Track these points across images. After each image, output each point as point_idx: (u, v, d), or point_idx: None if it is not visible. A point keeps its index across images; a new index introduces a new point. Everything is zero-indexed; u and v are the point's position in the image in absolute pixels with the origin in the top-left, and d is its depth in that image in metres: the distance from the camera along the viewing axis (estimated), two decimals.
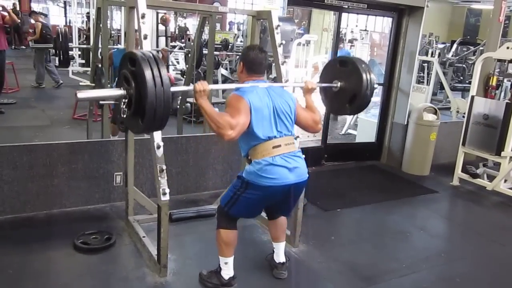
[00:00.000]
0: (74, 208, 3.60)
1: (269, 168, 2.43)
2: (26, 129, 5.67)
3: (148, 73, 2.01)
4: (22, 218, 3.39)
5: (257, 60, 2.57)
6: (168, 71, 8.92)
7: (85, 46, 5.16)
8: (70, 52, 11.55)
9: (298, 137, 3.17)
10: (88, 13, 11.76)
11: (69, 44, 4.80)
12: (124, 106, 2.14)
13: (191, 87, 2.37)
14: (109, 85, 4.23)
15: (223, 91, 8.44)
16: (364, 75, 2.79)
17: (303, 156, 2.63)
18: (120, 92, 2.14)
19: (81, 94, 2.10)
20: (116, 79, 4.33)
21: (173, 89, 2.17)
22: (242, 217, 2.63)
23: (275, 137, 2.49)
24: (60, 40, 4.40)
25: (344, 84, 2.90)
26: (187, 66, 6.36)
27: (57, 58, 4.66)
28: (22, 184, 3.40)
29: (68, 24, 14.52)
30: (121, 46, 4.59)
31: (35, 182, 3.44)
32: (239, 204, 2.55)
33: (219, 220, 2.66)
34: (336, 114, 3.22)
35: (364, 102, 2.90)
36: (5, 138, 4.82)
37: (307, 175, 2.61)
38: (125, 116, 2.18)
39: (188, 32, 14.64)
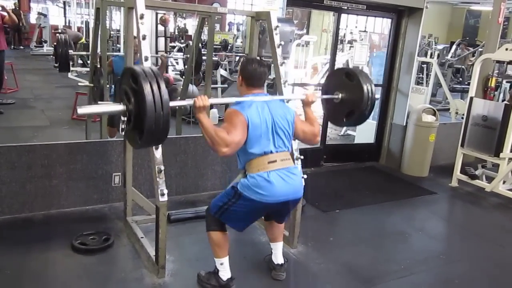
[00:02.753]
0: (72, 209, 3.60)
1: (264, 184, 2.43)
2: (25, 130, 5.66)
3: (148, 91, 2.04)
4: (20, 219, 3.39)
5: (256, 75, 2.58)
6: (167, 71, 8.92)
7: (85, 53, 5.08)
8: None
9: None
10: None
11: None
12: (122, 124, 2.19)
13: (191, 101, 2.37)
14: (109, 97, 4.24)
15: (222, 91, 8.45)
16: (365, 94, 2.82)
17: (300, 173, 2.64)
18: (120, 107, 2.18)
19: (82, 110, 2.14)
20: (114, 86, 4.34)
21: (172, 103, 2.21)
22: (230, 226, 2.65)
23: (271, 152, 2.49)
24: (60, 47, 4.42)
25: (345, 96, 2.93)
26: (185, 66, 6.35)
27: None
28: (20, 184, 3.39)
29: (68, 24, 14.51)
30: (121, 53, 4.61)
31: (34, 182, 3.44)
32: (229, 215, 2.56)
33: (208, 223, 2.67)
34: (332, 123, 3.25)
35: (361, 119, 2.97)
36: (4, 139, 4.81)
37: (302, 193, 2.63)
38: (124, 131, 2.22)
39: (187, 33, 14.64)
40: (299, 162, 3.13)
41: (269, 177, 2.44)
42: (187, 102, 2.39)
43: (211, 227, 2.64)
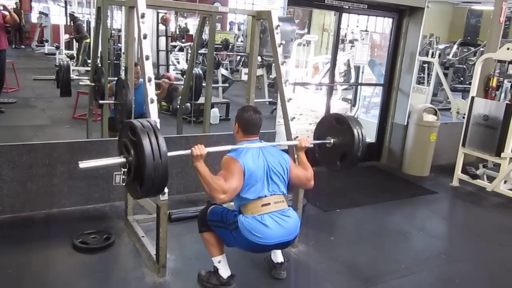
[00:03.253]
0: (73, 208, 3.61)
1: (258, 227, 2.46)
2: (26, 129, 5.67)
3: (146, 142, 2.13)
4: (21, 218, 3.39)
5: (251, 121, 2.65)
6: (168, 70, 8.92)
7: (87, 78, 4.91)
8: (70, 52, 11.55)
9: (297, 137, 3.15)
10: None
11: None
12: (123, 174, 2.29)
13: (188, 151, 2.44)
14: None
15: (223, 90, 8.46)
16: (356, 138, 2.89)
17: (294, 213, 2.65)
18: (120, 160, 2.27)
19: (84, 164, 2.20)
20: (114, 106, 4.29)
21: (170, 154, 2.28)
22: (220, 237, 2.67)
23: (265, 196, 2.53)
24: (62, 72, 4.41)
25: (337, 141, 3.01)
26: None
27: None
28: (21, 183, 3.40)
29: (69, 24, 14.51)
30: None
31: (35, 181, 3.44)
32: (222, 231, 2.61)
33: (200, 225, 2.70)
34: (327, 167, 3.28)
35: (354, 162, 3.01)
36: (5, 137, 4.81)
37: (297, 233, 2.64)
38: (125, 182, 2.31)
39: (188, 32, 14.65)
40: None
41: (263, 219, 2.48)
42: (185, 152, 2.45)
43: (202, 228, 2.69)
